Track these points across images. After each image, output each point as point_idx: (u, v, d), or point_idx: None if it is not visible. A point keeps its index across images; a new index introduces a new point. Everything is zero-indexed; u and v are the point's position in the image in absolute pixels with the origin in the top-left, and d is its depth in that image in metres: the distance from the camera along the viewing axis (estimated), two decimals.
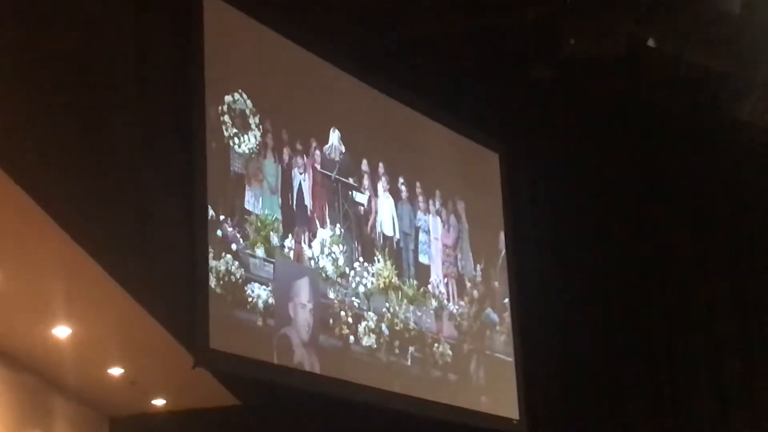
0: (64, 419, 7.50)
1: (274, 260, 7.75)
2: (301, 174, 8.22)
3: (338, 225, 8.44)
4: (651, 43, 8.85)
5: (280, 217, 7.89)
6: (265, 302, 7.60)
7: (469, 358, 9.48)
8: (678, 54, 9.00)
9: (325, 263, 8.22)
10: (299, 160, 8.22)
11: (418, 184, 9.42)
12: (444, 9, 9.15)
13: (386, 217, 8.99)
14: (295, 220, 8.05)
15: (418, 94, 9.58)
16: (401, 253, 9.05)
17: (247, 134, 7.79)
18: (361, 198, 8.79)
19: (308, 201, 8.23)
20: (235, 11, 7.88)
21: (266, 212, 7.79)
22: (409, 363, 8.83)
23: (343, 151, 8.67)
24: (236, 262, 7.41)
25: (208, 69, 7.48)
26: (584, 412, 10.50)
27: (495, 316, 9.87)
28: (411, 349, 8.87)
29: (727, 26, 8.35)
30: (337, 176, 8.58)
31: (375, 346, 8.52)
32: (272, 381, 7.72)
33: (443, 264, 9.52)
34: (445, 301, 9.41)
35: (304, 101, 8.43)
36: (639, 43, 8.84)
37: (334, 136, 8.62)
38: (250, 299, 7.49)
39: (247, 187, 7.69)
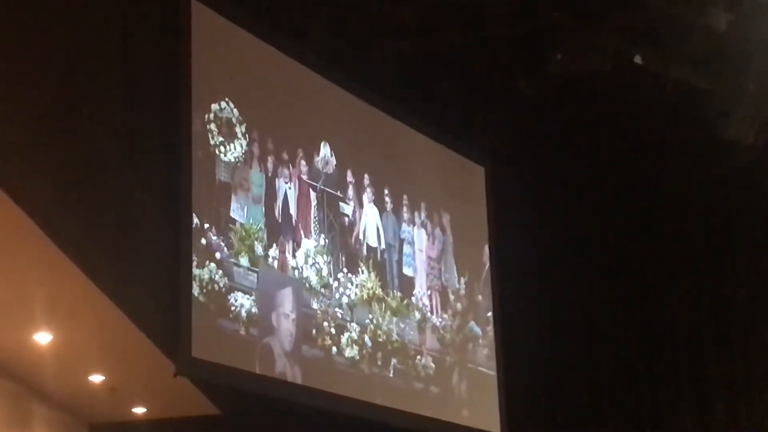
0: (44, 426, 7.47)
1: (258, 269, 7.75)
2: (286, 184, 8.22)
3: (323, 235, 8.44)
4: (637, 59, 8.89)
5: (264, 226, 7.88)
6: (249, 311, 7.59)
7: (451, 371, 9.48)
8: (664, 71, 9.04)
9: (309, 273, 8.22)
10: (285, 170, 8.22)
11: (403, 195, 9.43)
12: (431, 23, 9.18)
13: (371, 228, 8.99)
14: (280, 229, 8.05)
15: (404, 106, 9.60)
16: (385, 265, 9.05)
17: (234, 143, 7.79)
18: (346, 209, 8.79)
19: (293, 211, 8.23)
20: (222, 20, 7.89)
21: (251, 221, 7.78)
22: (391, 375, 8.82)
23: (336, 164, 8.68)
24: (220, 271, 7.40)
25: (194, 77, 7.48)
26: (565, 426, 10.50)
27: (478, 330, 9.87)
28: (393, 360, 8.87)
29: (712, 44, 8.39)
30: (322, 187, 8.58)
31: (357, 357, 8.51)
32: (254, 391, 7.71)
33: (427, 276, 9.53)
34: (429, 314, 9.41)
35: (291, 111, 8.43)
36: (625, 60, 8.89)
37: (326, 149, 8.63)
38: (233, 308, 7.48)
39: (232, 196, 7.68)
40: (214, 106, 7.67)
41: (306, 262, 8.21)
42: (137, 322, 6.31)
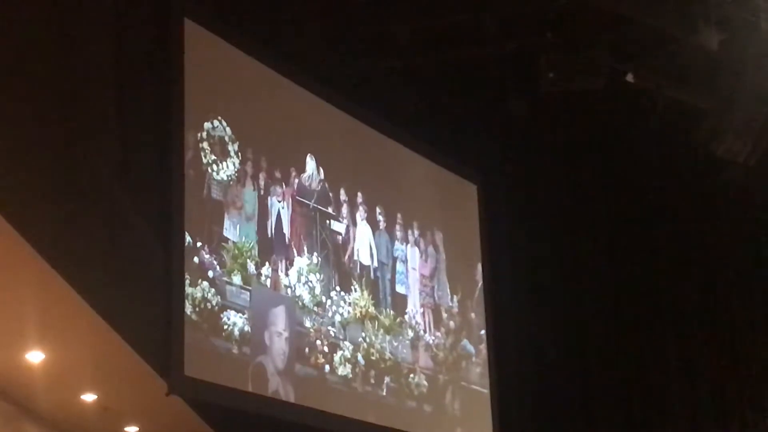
0: None
1: (250, 288, 7.74)
2: (279, 202, 8.22)
3: (316, 254, 8.44)
4: (629, 78, 8.92)
5: (257, 244, 7.88)
6: (241, 330, 7.58)
7: (444, 389, 9.47)
8: (656, 90, 9.08)
9: (302, 292, 8.21)
10: (278, 188, 8.23)
11: (396, 214, 9.43)
12: (424, 41, 9.20)
13: (364, 246, 8.99)
14: (273, 248, 8.04)
15: (397, 125, 9.62)
16: (378, 283, 9.05)
17: (226, 161, 7.79)
18: (339, 227, 8.79)
19: (286, 229, 8.23)
20: (215, 38, 7.90)
21: (244, 240, 7.78)
22: (384, 393, 8.81)
23: (321, 178, 8.68)
24: (213, 290, 7.39)
25: (187, 96, 7.49)
26: None
27: (471, 348, 9.86)
28: (387, 379, 8.85)
29: (704, 63, 8.43)
30: (315, 205, 8.58)
31: (350, 375, 8.50)
32: (247, 409, 7.68)
33: (420, 294, 9.53)
34: (422, 332, 9.40)
35: (284, 129, 8.44)
36: (617, 78, 8.91)
37: (311, 163, 8.63)
38: (225, 327, 7.47)
39: (225, 215, 7.68)
40: (207, 125, 7.68)
41: (299, 281, 8.20)
42: (130, 341, 6.29)
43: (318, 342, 8.25)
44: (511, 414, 10.15)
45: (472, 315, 10.00)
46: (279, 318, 7.96)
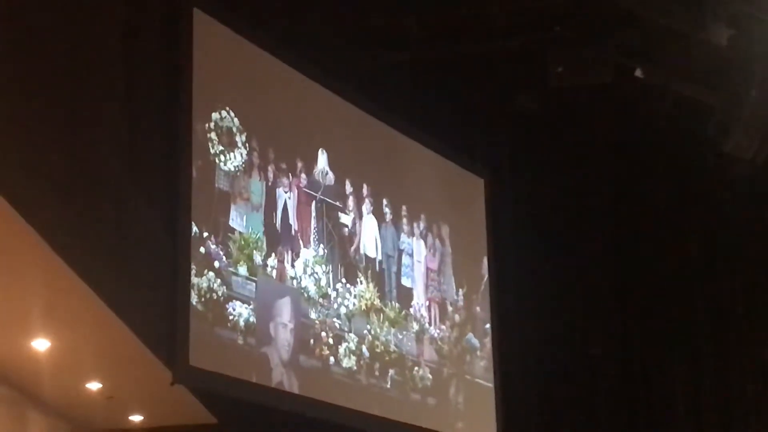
0: None
1: (256, 279, 7.75)
2: (286, 193, 8.22)
3: (322, 245, 8.44)
4: (638, 73, 8.91)
5: (263, 235, 7.89)
6: (246, 321, 7.59)
7: (448, 383, 9.47)
8: (664, 85, 9.06)
9: (308, 283, 8.22)
10: (285, 179, 8.23)
11: (402, 206, 9.43)
12: (432, 35, 9.20)
13: (370, 238, 8.99)
14: (279, 239, 8.05)
15: (405, 118, 9.61)
16: (384, 276, 9.05)
17: (234, 152, 7.80)
18: (345, 219, 8.79)
19: (293, 220, 8.24)
20: (224, 29, 7.90)
21: (250, 230, 7.78)
22: (388, 386, 8.81)
23: (333, 175, 8.68)
24: (218, 280, 7.40)
25: (195, 86, 7.49)
26: None
27: (476, 341, 9.87)
28: (391, 371, 8.86)
29: (713, 59, 8.41)
30: (321, 197, 8.59)
31: (355, 367, 8.50)
32: (251, 400, 7.70)
33: (426, 287, 9.53)
34: (427, 325, 9.40)
35: (292, 121, 8.44)
36: (625, 73, 8.91)
37: (323, 158, 8.63)
38: (231, 317, 7.48)
39: (232, 205, 7.69)
40: (215, 115, 7.68)
41: (305, 272, 8.21)
42: (135, 330, 6.31)
43: (323, 334, 8.26)
44: (515, 408, 10.15)
45: (478, 309, 10.01)
46: (284, 309, 7.97)
